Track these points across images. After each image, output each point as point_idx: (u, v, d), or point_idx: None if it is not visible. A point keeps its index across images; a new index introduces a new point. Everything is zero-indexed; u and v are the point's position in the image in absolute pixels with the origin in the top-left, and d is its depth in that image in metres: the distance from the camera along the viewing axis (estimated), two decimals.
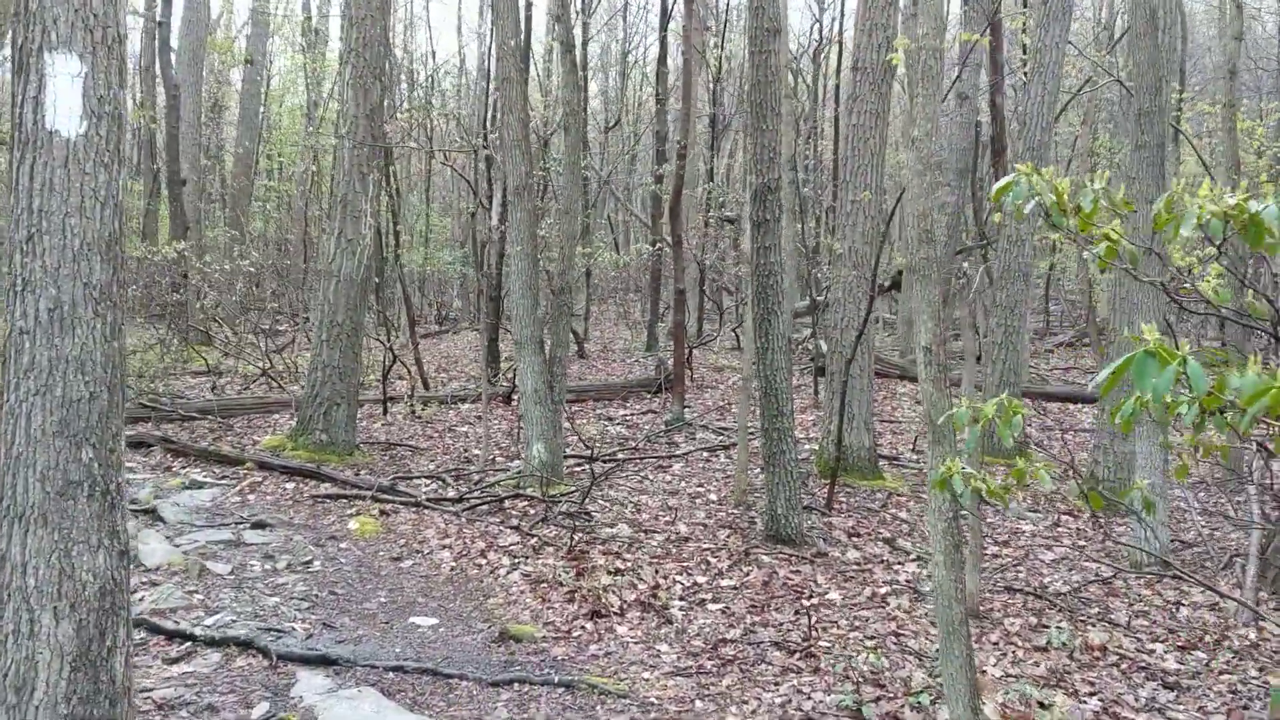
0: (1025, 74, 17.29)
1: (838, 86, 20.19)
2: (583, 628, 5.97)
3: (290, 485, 9.26)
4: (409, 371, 13.62)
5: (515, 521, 8.14)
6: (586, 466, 10.06)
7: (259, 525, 8.07)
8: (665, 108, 20.60)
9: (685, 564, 7.13)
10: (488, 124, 16.21)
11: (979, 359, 18.48)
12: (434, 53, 41.25)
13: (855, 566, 7.37)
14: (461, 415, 12.89)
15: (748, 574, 7.00)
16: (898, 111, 17.22)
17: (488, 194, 15.07)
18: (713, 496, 9.29)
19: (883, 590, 6.81)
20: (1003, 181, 2.51)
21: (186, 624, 5.92)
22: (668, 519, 8.39)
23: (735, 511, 8.67)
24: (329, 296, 10.03)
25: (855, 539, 8.09)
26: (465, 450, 10.98)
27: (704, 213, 21.71)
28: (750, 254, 7.58)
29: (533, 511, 8.37)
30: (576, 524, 7.85)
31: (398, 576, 7.09)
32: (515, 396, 12.12)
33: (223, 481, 9.43)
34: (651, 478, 9.96)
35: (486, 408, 10.59)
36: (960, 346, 20.03)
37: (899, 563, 7.53)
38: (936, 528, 4.01)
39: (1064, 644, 5.92)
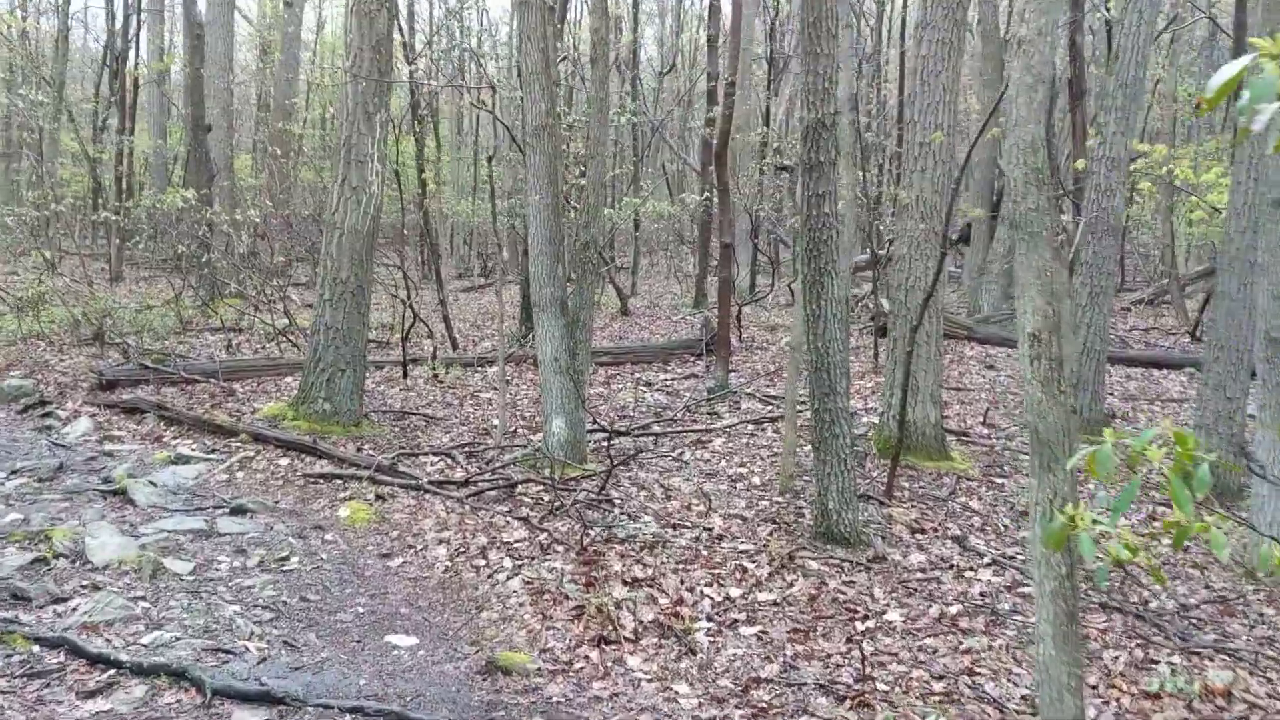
0: (1109, 7, 15.69)
1: (904, 20, 18.67)
2: (587, 657, 4.93)
3: (284, 461, 8.32)
4: (431, 331, 12.61)
5: (525, 511, 7.11)
6: (615, 442, 9.01)
7: (238, 511, 7.13)
8: (717, 45, 19.24)
9: (717, 571, 6.05)
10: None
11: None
12: None
13: (920, 574, 6.24)
14: (487, 379, 11.88)
15: (791, 585, 5.90)
16: (970, 53, 15.78)
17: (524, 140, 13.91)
18: (756, 480, 8.19)
19: (953, 609, 5.68)
20: (1232, 69, 1.37)
21: (119, 643, 4.98)
22: (701, 509, 7.31)
23: (781, 501, 7.56)
24: (331, 251, 9.01)
25: (919, 536, 6.96)
26: (485, 421, 9.97)
27: (759, 159, 20.38)
28: (800, 203, 6.40)
29: (546, 499, 7.33)
30: (590, 519, 6.80)
31: (383, 578, 6.11)
32: None
33: (212, 456, 8.51)
34: (688, 455, 8.88)
35: (503, 374, 9.53)
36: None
37: (971, 569, 6.38)
38: (1043, 588, 2.87)
39: (1179, 689, 4.77)
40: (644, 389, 11.72)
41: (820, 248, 6.33)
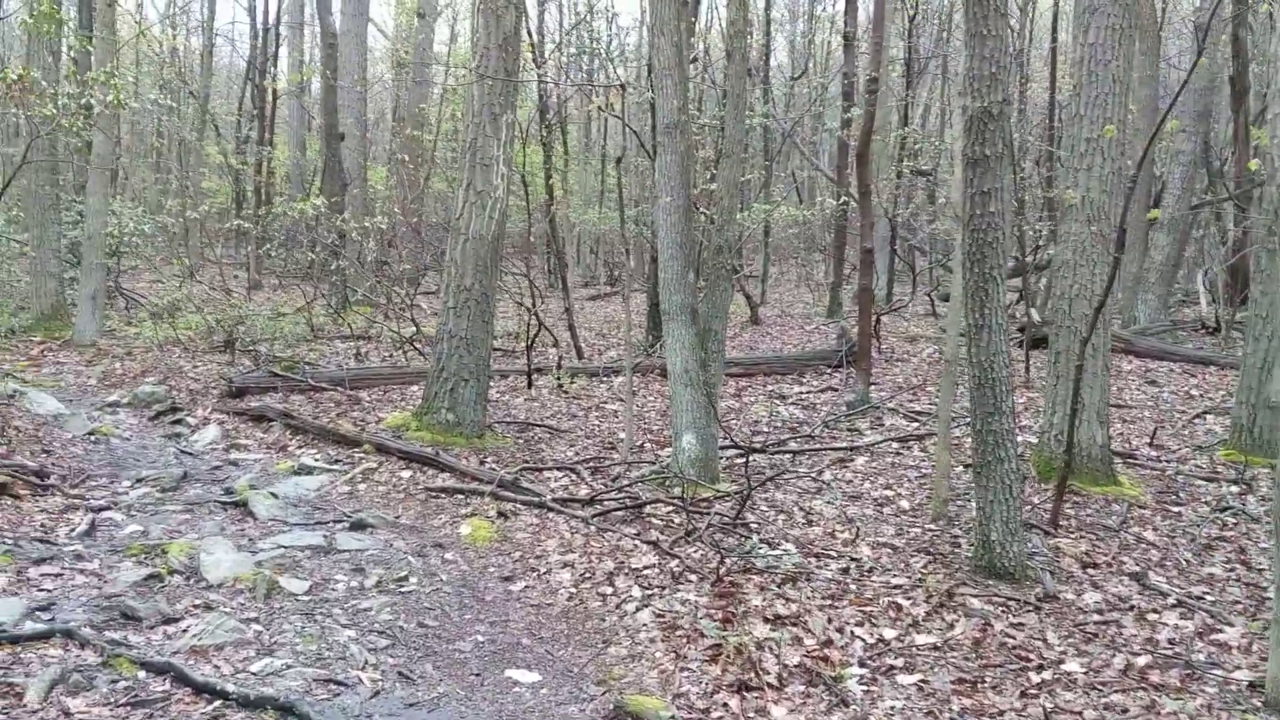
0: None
1: (1055, 13, 17.67)
2: (725, 705, 4.42)
3: (406, 474, 8.05)
4: (556, 340, 12.28)
5: (654, 534, 6.64)
6: (748, 459, 8.50)
7: (358, 526, 6.85)
8: (854, 44, 18.59)
9: (868, 608, 5.47)
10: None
11: (1216, 329, 15.89)
12: None
13: (1096, 616, 5.55)
14: (613, 390, 11.49)
15: (952, 626, 5.29)
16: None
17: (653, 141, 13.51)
18: (904, 504, 7.56)
19: (1140, 659, 4.98)
20: None
21: (227, 670, 4.69)
22: (847, 535, 6.73)
23: (934, 528, 6.93)
24: (456, 257, 8.73)
25: (1091, 571, 6.24)
26: (611, 434, 9.57)
27: (896, 163, 19.59)
28: (963, 202, 5.79)
29: (677, 521, 6.85)
30: (727, 546, 6.29)
31: (504, 604, 5.72)
32: None
33: (335, 466, 8.30)
34: (829, 475, 8.30)
35: (630, 385, 9.10)
36: (1196, 315, 17.42)
37: (1154, 611, 5.65)
38: None
39: None
40: (778, 402, 11.17)
41: (985, 251, 5.71)
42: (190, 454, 8.98)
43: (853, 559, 6.30)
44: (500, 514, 7.01)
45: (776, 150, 24.51)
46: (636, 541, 6.48)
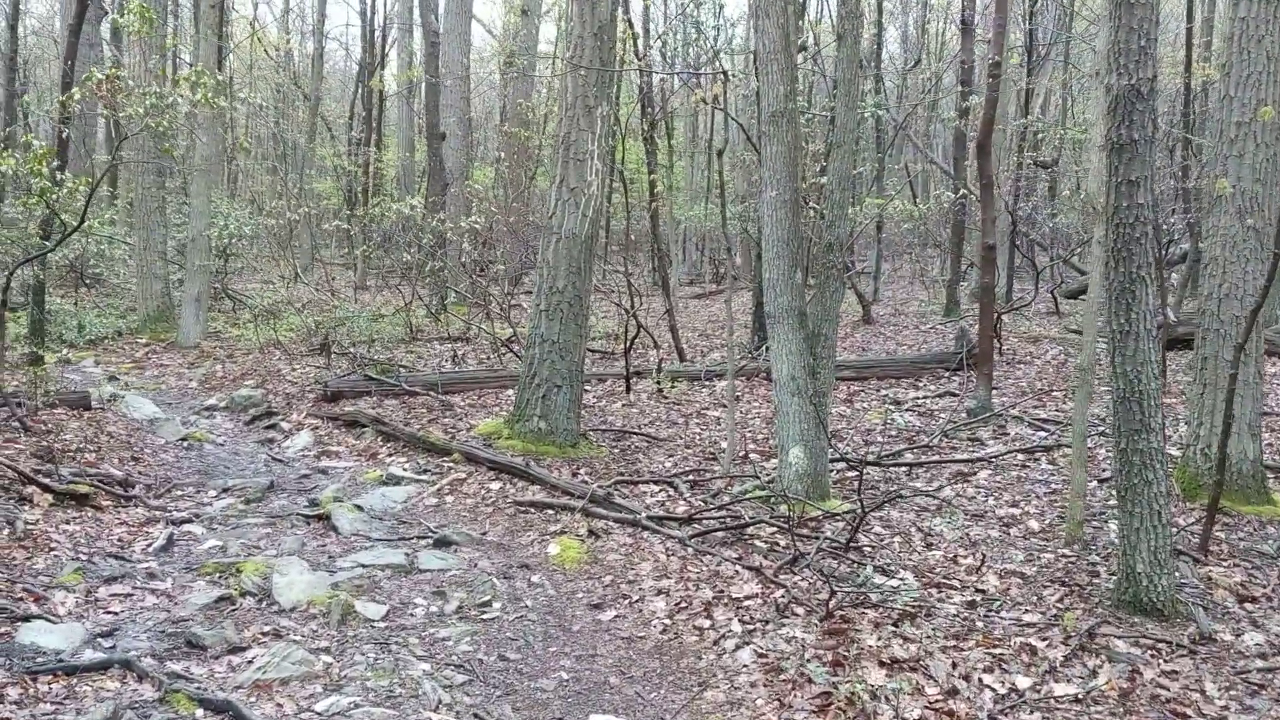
0: None
1: None
2: None
3: (495, 485, 7.66)
4: (656, 342, 11.79)
5: (757, 559, 6.11)
6: (861, 475, 7.90)
7: (442, 543, 6.48)
8: (973, 30, 17.66)
9: (997, 650, 4.85)
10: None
11: None
12: None
13: (1260, 663, 4.83)
14: (715, 395, 10.96)
15: (1095, 674, 4.64)
16: None
17: (759, 132, 12.94)
18: (1033, 524, 6.88)
19: None
20: None
21: (290, 709, 4.32)
22: (971, 561, 6.10)
23: (1068, 554, 6.24)
24: (548, 258, 8.33)
25: (1249, 607, 5.50)
26: (713, 443, 9.05)
27: (1017, 154, 18.61)
28: (1108, 192, 5.12)
29: (782, 544, 6.30)
30: (837, 574, 5.73)
31: (593, 636, 5.26)
32: None
33: (423, 477, 7.97)
34: (948, 490, 7.65)
35: (732, 391, 8.56)
36: None
37: None
38: None
39: None
40: (893, 409, 10.50)
41: (1132, 247, 5.03)
42: (281, 461, 8.77)
43: (978, 590, 5.67)
44: (591, 532, 6.56)
45: (889, 143, 23.66)
46: (738, 567, 5.96)
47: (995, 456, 8.50)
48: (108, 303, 17.08)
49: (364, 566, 6.02)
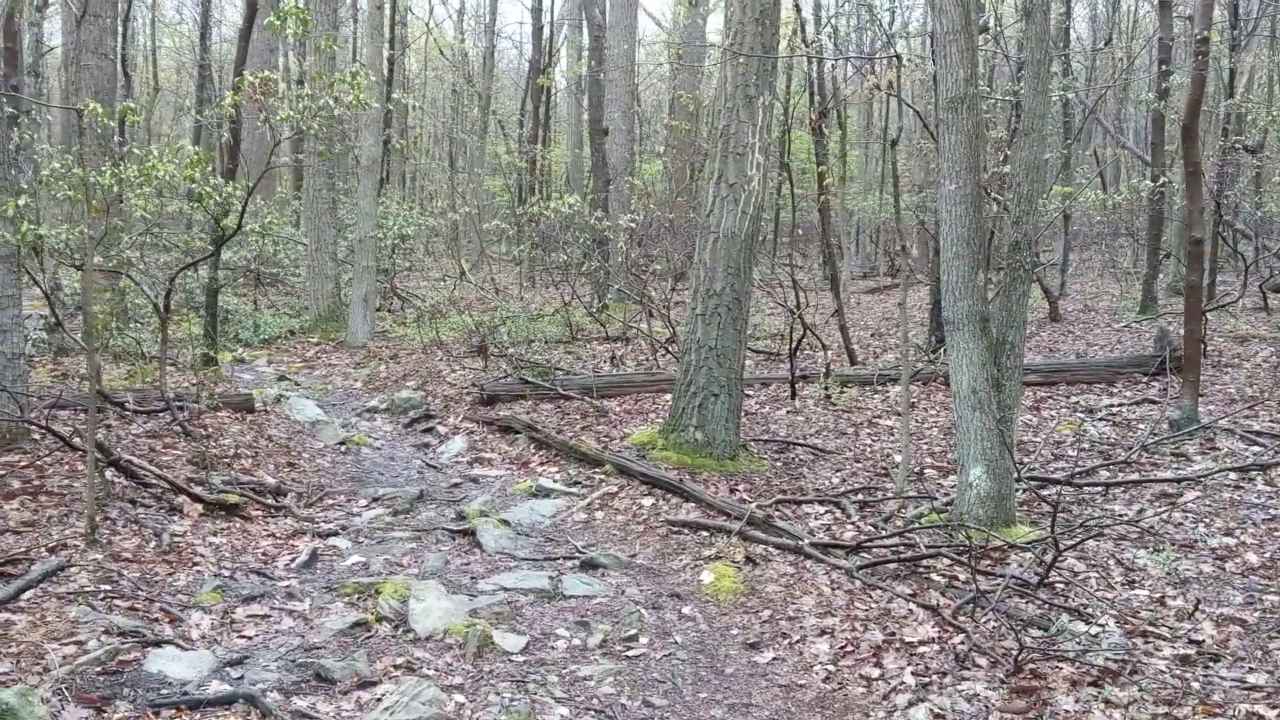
0: None
1: None
2: None
3: (648, 501, 7.24)
4: (823, 344, 11.14)
5: (934, 596, 5.47)
6: (1052, 492, 7.14)
7: (589, 566, 6.10)
8: (1170, 6, 16.24)
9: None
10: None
11: None
12: None
13: None
14: (889, 401, 10.25)
15: None
16: None
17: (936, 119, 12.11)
18: (1251, 558, 6.00)
19: None
20: None
21: None
22: (1181, 604, 5.31)
23: None
24: (705, 258, 7.84)
25: None
26: (885, 456, 8.39)
27: (1221, 138, 17.05)
28: None
29: (962, 578, 5.65)
30: (1025, 616, 5.04)
31: (747, 681, 4.75)
32: None
33: (573, 489, 7.62)
34: (1150, 514, 6.79)
35: (907, 400, 7.88)
36: None
37: None
38: None
39: None
40: (1083, 417, 9.59)
41: None
42: (434, 467, 8.60)
43: (1192, 641, 4.90)
44: (748, 559, 6.04)
45: (1078, 130, 22.19)
46: (911, 605, 5.34)
47: (1204, 475, 7.55)
48: (285, 302, 17.54)
49: (506, 590, 5.69)
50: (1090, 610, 5.20)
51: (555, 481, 7.76)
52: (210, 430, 8.44)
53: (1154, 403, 9.90)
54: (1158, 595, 5.47)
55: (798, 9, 13.99)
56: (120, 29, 19.67)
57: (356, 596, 5.49)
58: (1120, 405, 9.94)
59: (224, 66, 28.78)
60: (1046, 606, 5.22)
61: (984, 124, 9.54)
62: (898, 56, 8.13)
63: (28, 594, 4.89)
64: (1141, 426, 9.10)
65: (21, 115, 10.90)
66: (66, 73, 12.14)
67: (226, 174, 11.33)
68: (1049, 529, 5.77)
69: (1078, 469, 7.61)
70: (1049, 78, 6.90)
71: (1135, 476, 7.64)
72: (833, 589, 5.64)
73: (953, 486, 6.97)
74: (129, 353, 10.23)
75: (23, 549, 5.41)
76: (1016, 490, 7.08)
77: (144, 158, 7.34)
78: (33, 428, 7.10)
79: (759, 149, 7.72)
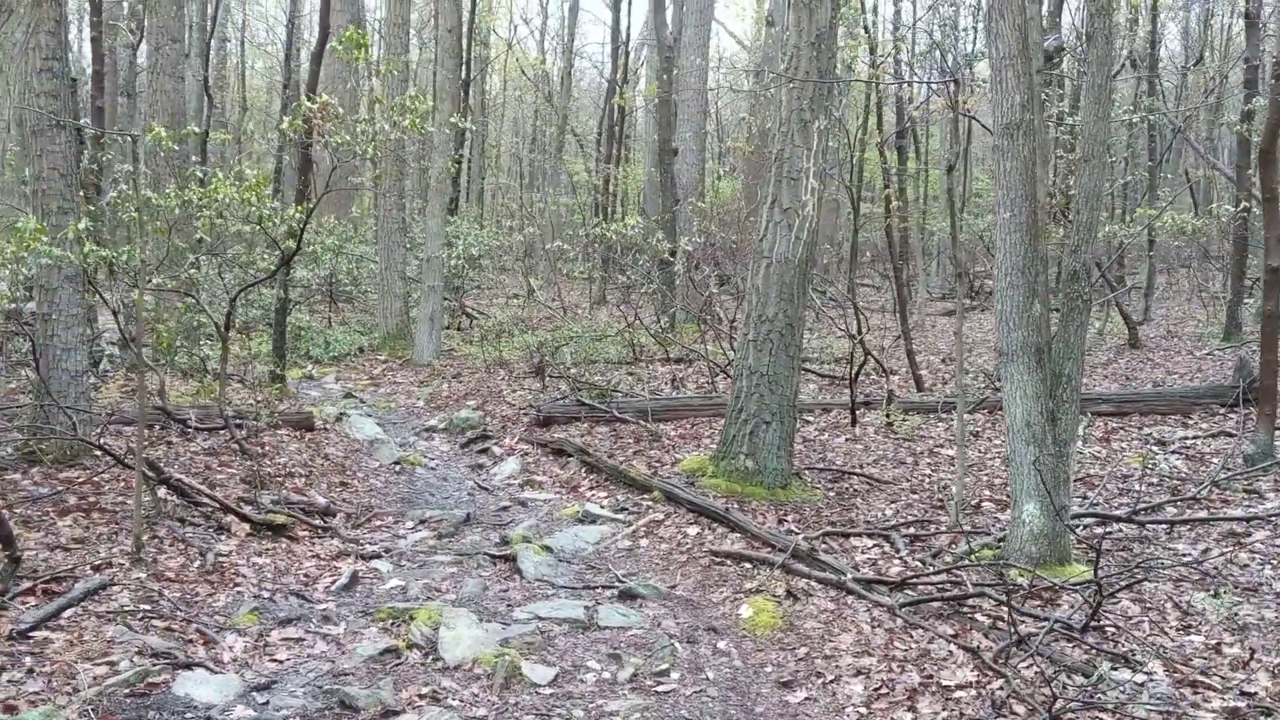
0: None
1: None
2: None
3: (693, 530, 7.15)
4: (885, 370, 10.93)
5: (976, 637, 5.29)
6: (1112, 530, 6.90)
7: (626, 596, 6.04)
8: (1258, 25, 15.72)
9: None
10: None
11: None
12: None
13: None
14: (951, 431, 10.02)
15: None
16: None
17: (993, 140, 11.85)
18: None
19: None
20: None
21: None
22: (1237, 652, 5.05)
23: None
24: (758, 283, 7.75)
25: None
26: (943, 487, 8.19)
27: None
28: None
29: (1005, 621, 5.45)
30: (1067, 665, 4.84)
31: None
32: None
33: (619, 515, 7.57)
34: (1216, 554, 6.50)
35: (962, 432, 7.68)
36: None
37: None
38: None
39: None
40: (1155, 450, 9.26)
41: None
42: (485, 489, 8.62)
43: (1244, 693, 4.65)
44: (789, 593, 5.92)
45: (1165, 149, 21.58)
46: (952, 646, 5.17)
47: (1275, 514, 7.22)
48: (358, 319, 17.82)
49: (540, 619, 5.65)
50: (1139, 657, 4.98)
51: (602, 507, 7.71)
52: (267, 448, 8.57)
53: (1230, 435, 9.52)
54: (1213, 642, 5.22)
55: (866, 30, 13.84)
56: (206, 51, 20.29)
57: (391, 622, 5.50)
58: (1194, 438, 9.58)
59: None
60: (1093, 651, 5.02)
61: (1046, 149, 9.30)
62: (956, 82, 7.95)
63: (68, 612, 4.98)
64: (1214, 460, 8.75)
65: (105, 137, 11.27)
66: (147, 95, 12.51)
67: (298, 195, 11.54)
68: (1106, 569, 5.56)
69: (1141, 505, 7.33)
70: (1110, 103, 6.69)
71: (1203, 514, 7.34)
72: (873, 627, 5.49)
73: (1010, 521, 6.76)
74: (196, 369, 10.45)
75: (69, 566, 5.52)
76: (1077, 523, 6.86)
77: (207, 179, 7.50)
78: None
79: (813, 174, 7.61)
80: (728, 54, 40.98)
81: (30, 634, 4.68)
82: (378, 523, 7.47)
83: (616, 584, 6.21)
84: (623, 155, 29.24)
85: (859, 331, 10.14)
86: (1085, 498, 7.69)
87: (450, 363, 14.27)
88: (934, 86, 11.47)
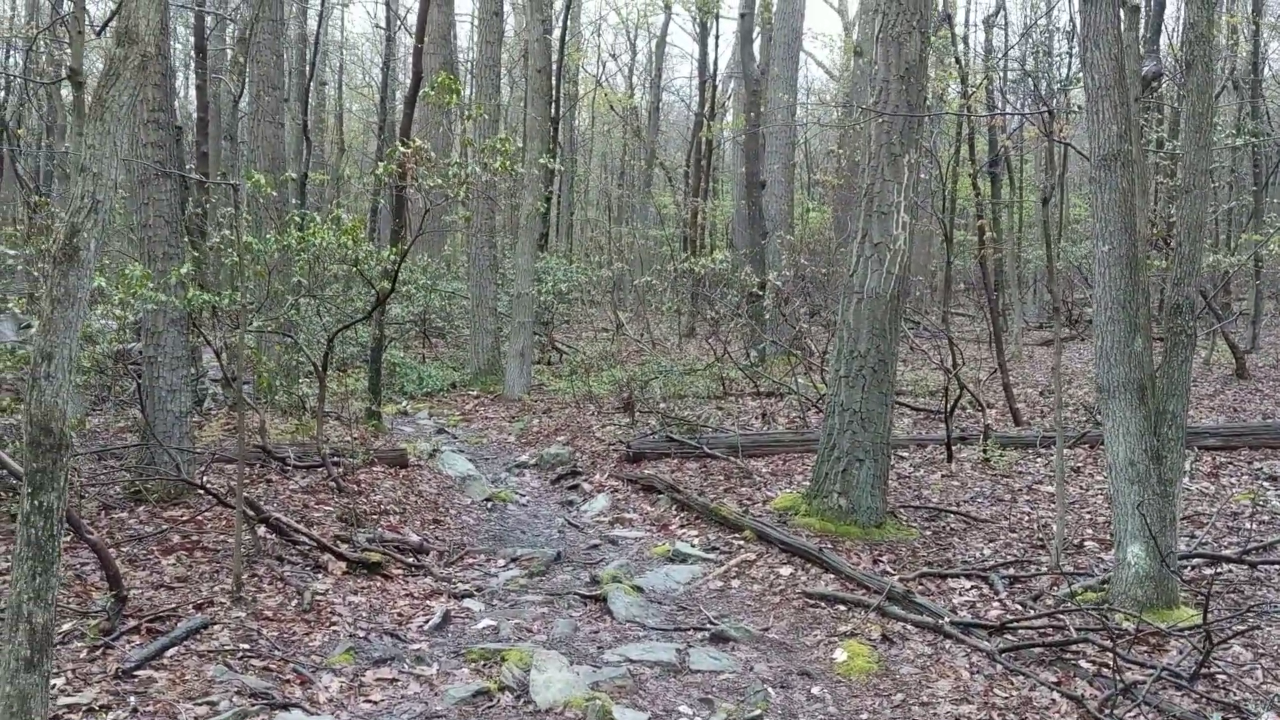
0: None
1: None
2: None
3: (785, 571, 7.05)
4: (980, 404, 10.69)
5: (1080, 685, 5.11)
6: (1222, 572, 6.63)
7: (718, 639, 5.97)
8: None
9: None
10: None
11: None
12: None
13: None
14: (1052, 466, 9.75)
15: None
16: None
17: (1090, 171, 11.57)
18: None
19: None
20: None
21: None
22: None
23: None
24: (849, 319, 7.66)
25: None
26: (1043, 525, 7.97)
27: None
28: None
29: (1110, 668, 5.26)
30: (1176, 715, 4.65)
31: None
32: None
33: (710, 555, 7.51)
34: None
35: (1061, 469, 7.47)
36: None
37: None
38: None
39: None
40: (1266, 484, 8.90)
41: None
42: (576, 526, 8.64)
43: None
44: (885, 637, 5.80)
45: (1271, 171, 20.87)
46: (1055, 694, 5.01)
47: None
48: (451, 355, 18.09)
49: (631, 662, 5.62)
50: (1252, 707, 4.77)
51: (693, 546, 7.66)
52: (363, 486, 8.71)
53: None
54: None
55: (958, 61, 13.68)
56: (305, 95, 20.92)
57: (482, 663, 5.52)
58: None
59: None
60: (1203, 701, 4.81)
61: (1147, 178, 9.06)
62: (1050, 113, 7.79)
63: (171, 650, 5.10)
64: None
65: (208, 183, 11.66)
66: (249, 141, 12.99)
67: (393, 235, 11.80)
68: (1216, 613, 5.34)
69: (1252, 544, 7.04)
70: (1211, 130, 6.49)
71: None
72: (971, 673, 5.35)
73: (1114, 562, 6.54)
74: (295, 407, 10.69)
75: (172, 605, 5.67)
76: (1185, 564, 6.62)
77: (305, 224, 7.70)
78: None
79: (904, 208, 7.52)
80: (816, 84, 40.99)
81: (135, 673, 4.81)
82: (469, 560, 7.53)
83: (708, 626, 6.15)
84: (710, 188, 29.32)
85: (954, 364, 9.95)
86: (1193, 537, 7.42)
87: (540, 398, 14.38)
88: (1027, 116, 11.25)
